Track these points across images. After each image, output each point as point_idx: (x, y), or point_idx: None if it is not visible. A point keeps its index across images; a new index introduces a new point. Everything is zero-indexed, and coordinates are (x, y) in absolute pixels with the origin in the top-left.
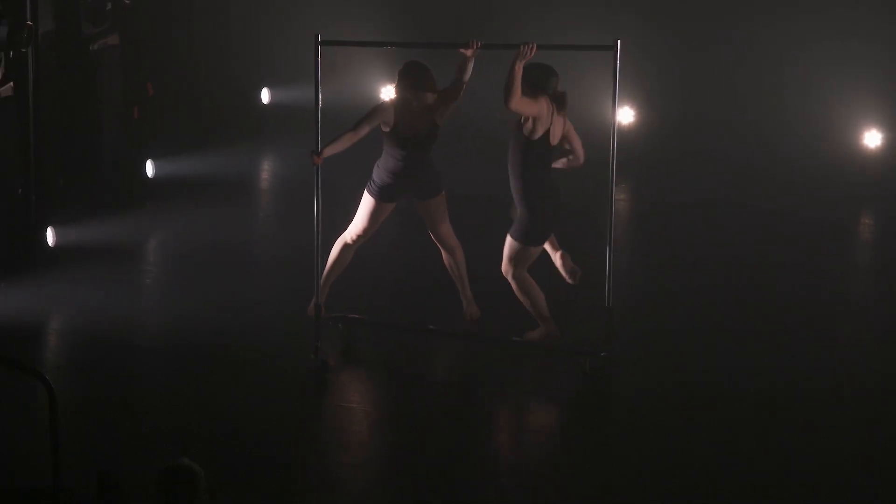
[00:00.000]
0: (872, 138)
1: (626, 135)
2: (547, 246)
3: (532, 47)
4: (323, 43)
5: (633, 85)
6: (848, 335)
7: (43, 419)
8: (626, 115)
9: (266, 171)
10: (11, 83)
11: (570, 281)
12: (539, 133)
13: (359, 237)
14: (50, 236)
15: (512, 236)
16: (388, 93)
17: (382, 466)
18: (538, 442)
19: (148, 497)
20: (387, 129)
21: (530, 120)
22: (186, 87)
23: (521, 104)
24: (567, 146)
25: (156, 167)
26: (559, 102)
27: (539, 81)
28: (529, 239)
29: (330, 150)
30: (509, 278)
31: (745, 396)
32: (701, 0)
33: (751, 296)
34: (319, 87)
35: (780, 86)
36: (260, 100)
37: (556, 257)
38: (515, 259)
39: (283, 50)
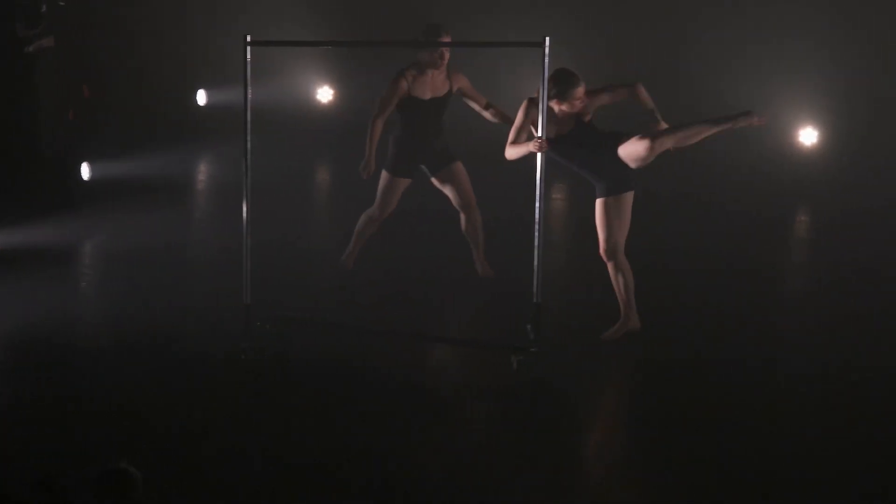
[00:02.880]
0: (808, 136)
1: None
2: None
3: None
4: (252, 43)
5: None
6: (784, 330)
7: None
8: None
9: (202, 172)
10: None
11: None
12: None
13: (381, 214)
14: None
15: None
16: (324, 94)
17: (316, 464)
18: (466, 438)
19: (86, 501)
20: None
21: None
22: (122, 88)
23: None
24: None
25: (92, 169)
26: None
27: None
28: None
29: (370, 149)
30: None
31: (676, 391)
32: None
33: (685, 291)
34: (249, 89)
35: (716, 83)
36: (196, 101)
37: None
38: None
39: (220, 51)
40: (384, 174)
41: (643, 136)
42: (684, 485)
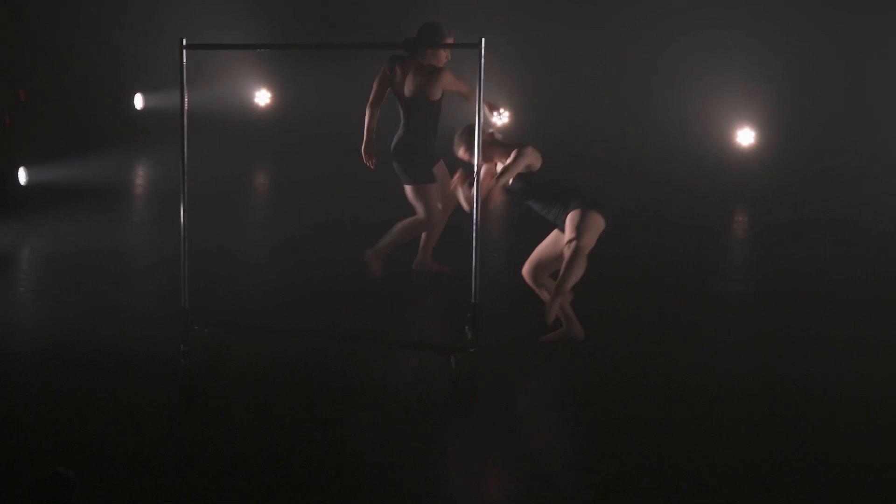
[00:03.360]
0: (745, 136)
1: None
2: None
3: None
4: (188, 47)
5: (504, 85)
6: (723, 332)
7: None
8: (499, 117)
9: (140, 176)
10: None
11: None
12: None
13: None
14: None
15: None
16: (261, 97)
17: (250, 468)
18: (403, 437)
19: None
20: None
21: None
22: (60, 92)
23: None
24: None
25: (29, 174)
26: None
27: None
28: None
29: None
30: (577, 245)
31: (614, 392)
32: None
33: (625, 294)
34: (185, 92)
35: (651, 83)
36: (133, 105)
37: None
38: (591, 232)
39: (156, 55)
40: (422, 187)
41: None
42: (620, 482)
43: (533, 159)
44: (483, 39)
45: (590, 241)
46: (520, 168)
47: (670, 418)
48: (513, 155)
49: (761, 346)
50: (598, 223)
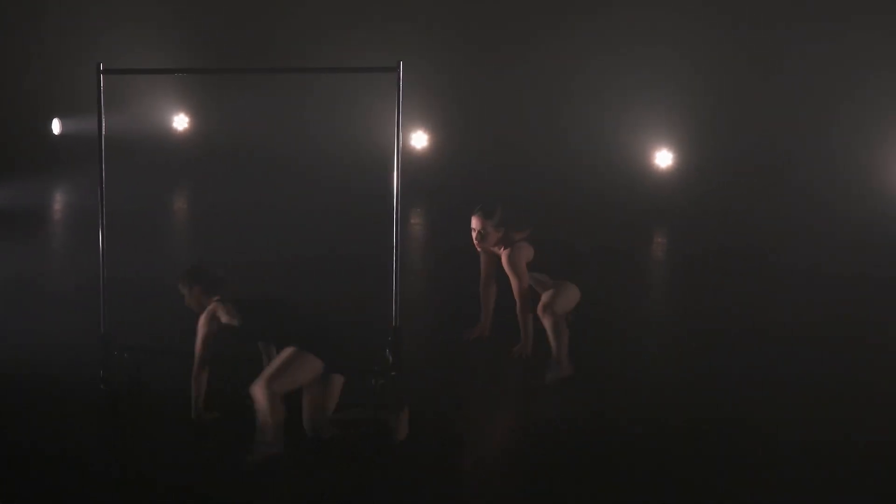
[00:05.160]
0: (663, 158)
1: (420, 158)
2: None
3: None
4: (106, 72)
5: (426, 108)
6: (640, 353)
7: None
8: (419, 139)
9: (58, 201)
10: None
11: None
12: (530, 258)
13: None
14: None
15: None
16: (180, 121)
17: (172, 497)
18: (324, 462)
19: None
20: None
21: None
22: None
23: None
24: None
25: None
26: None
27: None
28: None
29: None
30: (547, 313)
31: (544, 410)
32: (490, 20)
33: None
34: (103, 118)
35: (568, 103)
36: (50, 130)
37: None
38: (563, 298)
39: (74, 80)
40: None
41: None
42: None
43: (526, 255)
44: (401, 62)
45: (567, 308)
46: (523, 275)
47: (591, 430)
48: (511, 275)
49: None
50: (572, 300)
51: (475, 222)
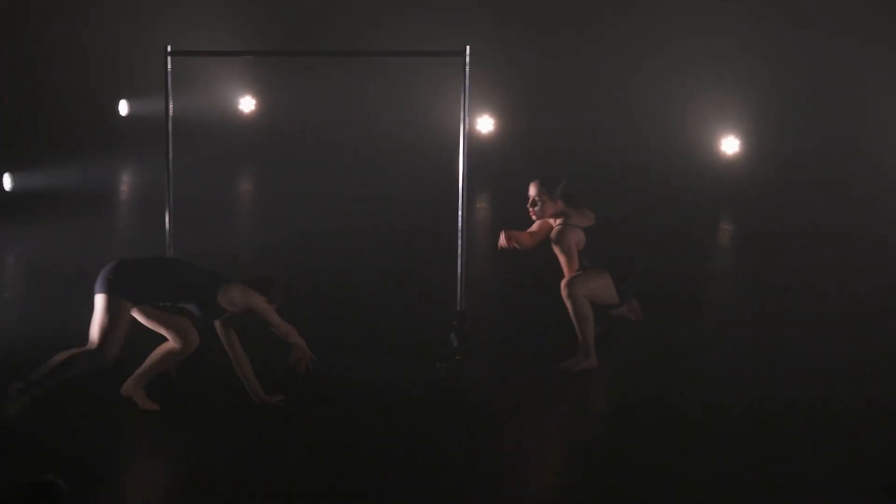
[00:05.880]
0: (730, 144)
1: (486, 144)
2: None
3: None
4: (173, 53)
5: (492, 93)
6: (706, 342)
7: None
8: (485, 124)
9: (124, 183)
10: None
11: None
12: (582, 244)
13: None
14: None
15: (607, 268)
16: (246, 104)
17: (233, 474)
18: (392, 446)
19: None
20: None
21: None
22: (44, 98)
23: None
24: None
25: (14, 180)
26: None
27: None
28: (619, 288)
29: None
30: (569, 293)
31: (600, 403)
32: (556, 5)
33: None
34: (170, 99)
35: (638, 90)
36: (117, 111)
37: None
38: (591, 279)
39: (142, 61)
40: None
41: None
42: (609, 484)
43: (578, 237)
44: (468, 47)
45: (592, 290)
46: (573, 257)
47: (655, 428)
48: (559, 253)
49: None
50: (607, 293)
51: (533, 189)
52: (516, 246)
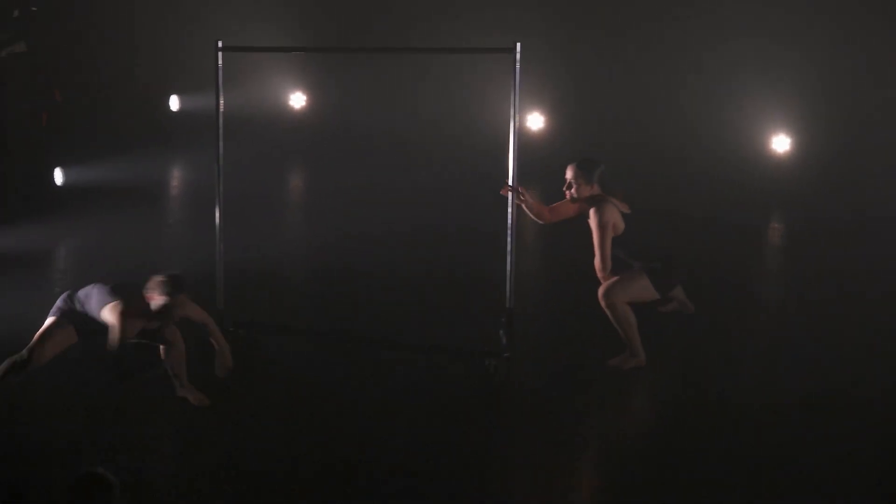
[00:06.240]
0: (781, 143)
1: (536, 140)
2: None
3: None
4: (224, 49)
5: (542, 90)
6: (757, 338)
7: None
8: (535, 121)
9: (175, 177)
10: None
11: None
12: (619, 230)
13: None
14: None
15: (643, 268)
16: (297, 99)
17: (286, 473)
18: (442, 444)
19: None
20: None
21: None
22: (95, 93)
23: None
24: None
25: (65, 174)
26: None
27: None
28: (657, 284)
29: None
30: (607, 302)
31: (650, 398)
32: (607, 2)
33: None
34: (221, 94)
35: (688, 88)
36: (168, 106)
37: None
38: (629, 286)
39: (193, 56)
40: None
41: None
42: (661, 481)
43: (615, 218)
44: (518, 44)
45: (630, 296)
46: (606, 239)
47: (707, 425)
48: (595, 229)
49: (808, 352)
50: (646, 292)
51: (570, 171)
52: (522, 205)
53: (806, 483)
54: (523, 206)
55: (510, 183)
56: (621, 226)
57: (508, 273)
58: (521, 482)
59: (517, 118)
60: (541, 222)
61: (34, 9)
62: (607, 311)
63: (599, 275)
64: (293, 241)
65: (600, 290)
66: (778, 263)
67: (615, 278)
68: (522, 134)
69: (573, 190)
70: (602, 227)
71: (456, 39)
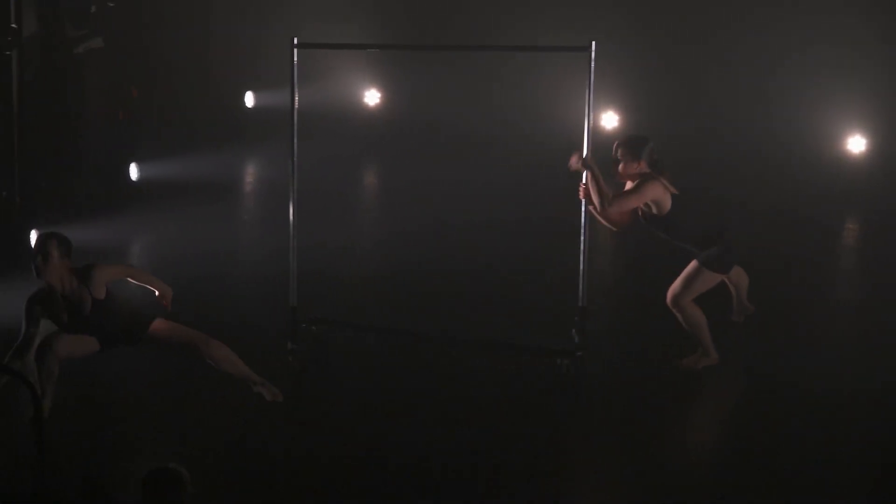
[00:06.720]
0: (856, 144)
1: (610, 139)
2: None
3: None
4: (300, 46)
5: (616, 89)
6: (832, 336)
7: (27, 423)
8: (609, 120)
9: (249, 174)
10: None
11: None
12: (665, 208)
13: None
14: (33, 239)
15: (700, 262)
16: (371, 97)
17: (361, 469)
18: (515, 443)
19: (134, 502)
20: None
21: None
22: (170, 89)
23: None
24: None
25: (140, 169)
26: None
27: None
28: (718, 267)
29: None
30: (675, 305)
31: (724, 396)
32: (686, 4)
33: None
34: (296, 91)
35: (765, 89)
36: (244, 103)
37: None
38: (691, 284)
39: (268, 53)
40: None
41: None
42: (741, 484)
43: (658, 194)
44: (594, 43)
45: (695, 292)
46: (633, 202)
47: (792, 423)
48: (632, 186)
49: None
50: (709, 281)
51: (616, 149)
52: (591, 210)
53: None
54: (591, 210)
55: (581, 169)
56: (666, 205)
57: (581, 271)
58: (598, 483)
59: (591, 116)
60: (614, 229)
61: (111, 4)
62: (676, 314)
63: (596, 205)
64: (365, 238)
65: (668, 296)
66: (851, 263)
67: (678, 280)
68: (597, 132)
69: (620, 167)
70: (636, 192)
71: (533, 37)
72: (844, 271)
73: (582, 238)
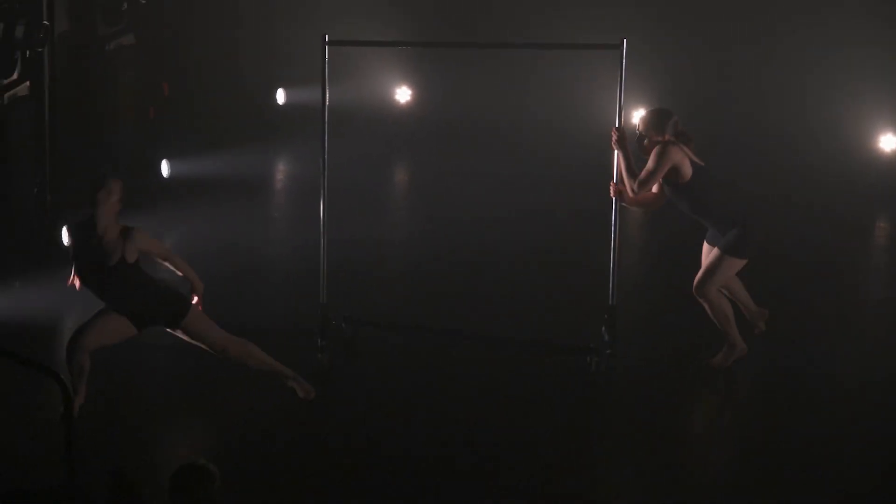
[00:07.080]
0: (888, 142)
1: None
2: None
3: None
4: (331, 43)
5: (647, 86)
6: (865, 334)
7: (57, 418)
8: (639, 117)
9: (280, 171)
10: (27, 82)
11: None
12: (686, 176)
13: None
14: (65, 236)
15: (721, 248)
16: (402, 94)
17: (390, 467)
18: (545, 441)
19: (162, 497)
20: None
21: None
22: (202, 87)
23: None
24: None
25: (171, 166)
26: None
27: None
28: (740, 251)
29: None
30: (701, 294)
31: (755, 394)
32: (718, 1)
33: (766, 294)
34: (327, 88)
35: (798, 88)
36: (275, 100)
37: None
38: (715, 272)
39: (299, 50)
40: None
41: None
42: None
43: (677, 159)
44: (625, 40)
45: (720, 280)
46: (659, 173)
47: (820, 418)
48: (653, 155)
49: None
50: (732, 267)
51: (639, 122)
52: (622, 190)
53: None
54: (624, 201)
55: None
56: (688, 173)
57: (612, 269)
58: (627, 479)
59: (623, 113)
60: (642, 208)
61: (143, 1)
62: (703, 304)
63: (628, 187)
64: (396, 235)
65: (694, 285)
66: (883, 262)
67: (702, 269)
68: (628, 129)
69: (645, 142)
70: (658, 157)
71: (565, 34)
72: (876, 270)
73: (613, 236)
